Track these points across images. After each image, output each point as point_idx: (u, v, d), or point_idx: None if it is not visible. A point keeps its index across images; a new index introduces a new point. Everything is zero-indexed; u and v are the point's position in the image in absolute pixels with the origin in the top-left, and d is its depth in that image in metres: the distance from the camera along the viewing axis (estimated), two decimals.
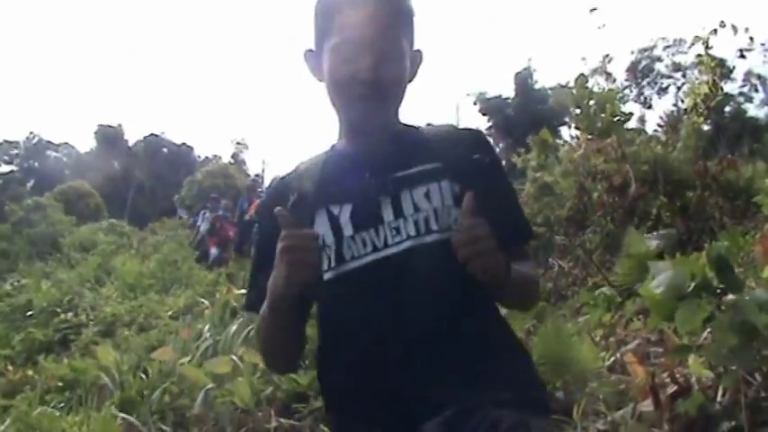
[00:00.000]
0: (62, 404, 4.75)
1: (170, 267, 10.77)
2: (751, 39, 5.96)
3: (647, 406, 2.09)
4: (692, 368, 2.04)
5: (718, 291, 2.33)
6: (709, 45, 6.26)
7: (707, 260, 2.50)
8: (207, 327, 5.02)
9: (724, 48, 6.68)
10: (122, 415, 3.61)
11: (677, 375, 2.09)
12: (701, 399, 1.96)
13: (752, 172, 5.72)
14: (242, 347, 4.43)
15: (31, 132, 52.61)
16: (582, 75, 7.27)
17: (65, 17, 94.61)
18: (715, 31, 6.20)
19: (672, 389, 2.07)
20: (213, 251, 11.94)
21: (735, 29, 6.07)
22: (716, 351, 2.01)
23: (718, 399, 1.98)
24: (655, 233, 4.17)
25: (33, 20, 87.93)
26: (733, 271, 2.05)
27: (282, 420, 3.64)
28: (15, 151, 51.38)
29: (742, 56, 6.25)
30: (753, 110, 25.00)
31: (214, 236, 12.09)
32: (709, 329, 2.28)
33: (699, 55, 6.41)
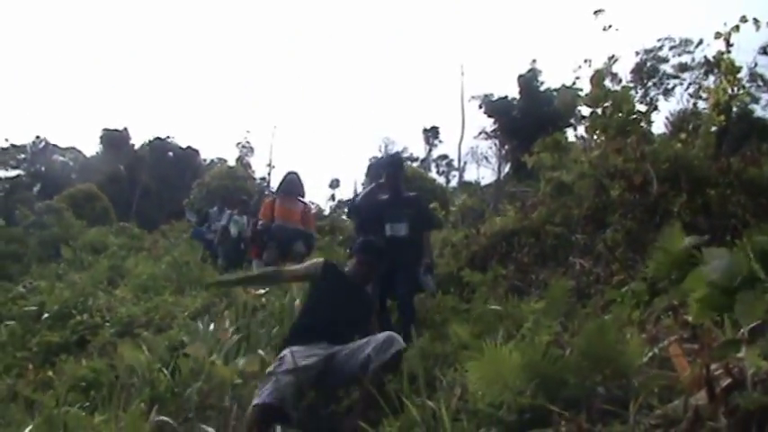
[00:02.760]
0: (87, 404, 4.75)
1: (183, 269, 10.74)
2: None
3: (700, 399, 2.07)
4: (748, 360, 2.02)
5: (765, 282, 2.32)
6: (731, 42, 6.23)
7: (752, 253, 2.47)
8: (229, 326, 5.02)
9: (742, 44, 6.62)
10: (162, 418, 3.56)
11: (731, 367, 2.06)
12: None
13: None
14: (267, 346, 4.45)
15: (38, 136, 52.83)
16: (598, 71, 7.24)
17: (70, 21, 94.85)
18: (737, 27, 6.17)
19: (726, 381, 2.04)
20: (256, 262, 10.29)
21: (757, 23, 6.03)
22: None
23: None
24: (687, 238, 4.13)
25: (38, 24, 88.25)
26: None
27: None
28: (22, 155, 51.50)
29: (765, 52, 6.21)
30: (759, 111, 24.93)
31: (253, 245, 10.52)
32: (751, 324, 2.26)
33: (720, 52, 6.37)
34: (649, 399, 2.31)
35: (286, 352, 3.80)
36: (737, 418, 1.94)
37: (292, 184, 9.28)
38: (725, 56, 6.31)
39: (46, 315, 8.66)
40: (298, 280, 4.78)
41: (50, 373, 6.23)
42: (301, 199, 9.40)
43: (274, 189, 10.30)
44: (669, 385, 2.40)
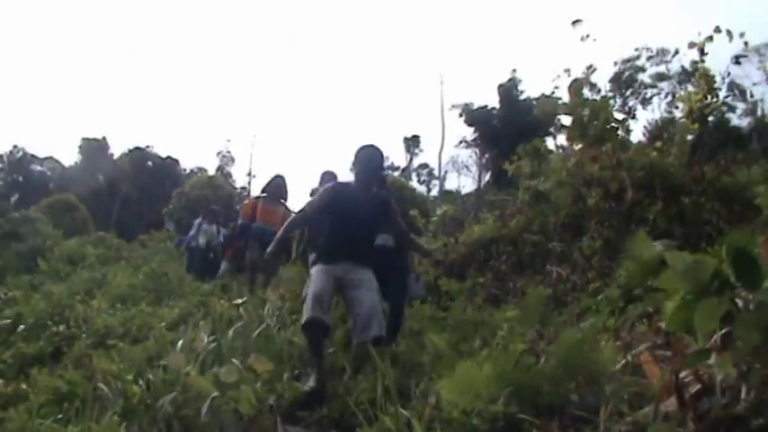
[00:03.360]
0: (59, 416, 4.66)
1: (161, 279, 10.65)
2: (746, 44, 5.98)
3: (670, 405, 2.08)
4: (716, 367, 2.03)
5: (736, 287, 2.32)
6: (705, 51, 6.31)
7: (725, 255, 2.47)
8: (205, 336, 4.97)
9: (717, 54, 6.70)
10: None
11: (701, 374, 2.07)
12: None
13: (747, 177, 5.73)
14: (242, 356, 4.41)
15: (15, 146, 52.17)
16: (576, 80, 7.30)
17: (48, 29, 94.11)
18: (711, 37, 6.24)
19: (695, 388, 2.05)
20: (224, 265, 11.07)
21: (730, 34, 6.11)
22: (739, 350, 2.00)
23: (743, 397, 1.96)
24: (657, 242, 4.16)
25: (14, 33, 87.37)
26: (756, 265, 2.03)
27: (289, 428, 3.62)
28: None
29: (737, 62, 6.29)
30: (735, 120, 25.18)
31: (229, 248, 11.15)
32: (723, 329, 2.27)
33: (695, 62, 6.45)
34: (620, 405, 2.32)
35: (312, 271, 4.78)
36: (706, 423, 1.95)
37: (277, 187, 9.54)
38: (698, 65, 6.39)
39: (21, 327, 8.51)
40: (316, 213, 5.02)
41: (24, 386, 6.12)
42: (283, 202, 9.56)
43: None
44: (640, 392, 2.41)
